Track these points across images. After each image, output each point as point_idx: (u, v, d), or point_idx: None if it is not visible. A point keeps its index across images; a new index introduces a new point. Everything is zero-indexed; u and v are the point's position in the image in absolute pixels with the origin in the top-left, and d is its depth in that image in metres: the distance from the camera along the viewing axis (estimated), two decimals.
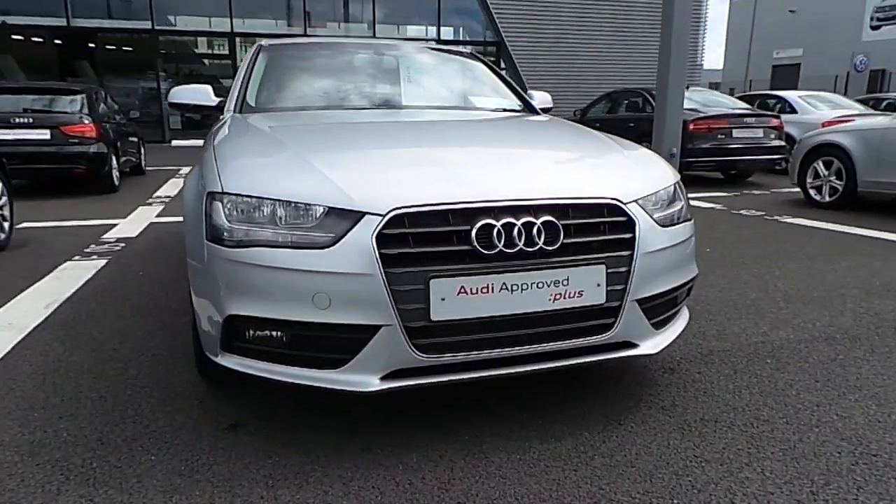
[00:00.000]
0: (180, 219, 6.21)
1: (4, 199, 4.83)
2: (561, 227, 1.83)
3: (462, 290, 1.75)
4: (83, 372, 2.43)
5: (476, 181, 1.88)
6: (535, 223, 1.80)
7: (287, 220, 1.79)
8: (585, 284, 1.86)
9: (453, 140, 2.33)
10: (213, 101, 3.06)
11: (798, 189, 7.02)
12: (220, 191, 1.88)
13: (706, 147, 8.31)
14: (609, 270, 1.89)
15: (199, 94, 3.07)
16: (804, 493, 1.64)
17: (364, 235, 1.72)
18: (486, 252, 1.76)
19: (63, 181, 8.10)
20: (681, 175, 2.29)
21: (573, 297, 1.86)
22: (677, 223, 2.12)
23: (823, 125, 8.62)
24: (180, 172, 10.54)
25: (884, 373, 2.40)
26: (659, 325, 2.08)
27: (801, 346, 2.68)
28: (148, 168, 10.68)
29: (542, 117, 3.14)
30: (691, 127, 8.29)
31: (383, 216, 1.73)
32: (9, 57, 16.75)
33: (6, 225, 4.84)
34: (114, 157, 8.06)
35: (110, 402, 2.17)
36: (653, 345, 2.04)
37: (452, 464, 1.78)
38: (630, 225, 1.95)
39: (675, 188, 2.20)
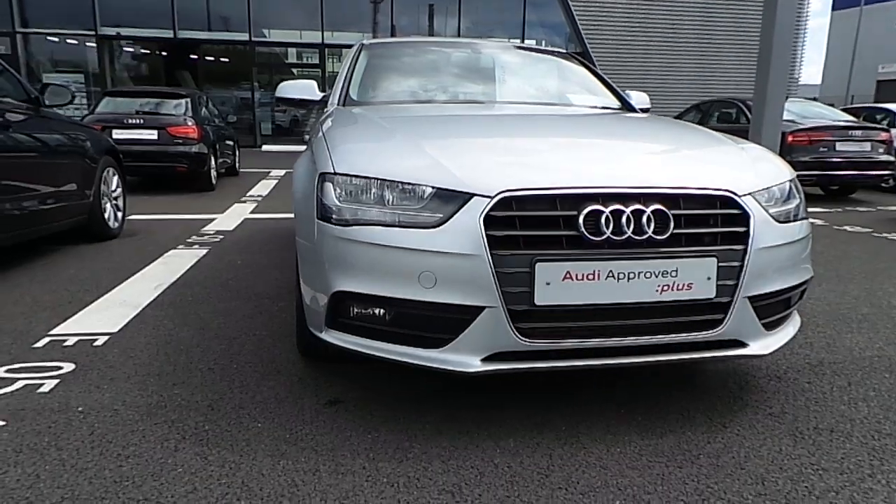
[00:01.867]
0: (272, 215, 6.52)
1: (120, 191, 5.20)
2: (672, 216, 1.79)
3: (567, 276, 1.73)
4: (192, 346, 2.56)
5: (584, 168, 1.86)
6: (644, 211, 1.77)
7: (395, 200, 1.83)
8: (695, 277, 1.80)
9: (557, 131, 2.32)
10: (318, 95, 3.18)
11: None
12: (331, 171, 1.94)
13: (806, 160, 7.88)
14: (721, 264, 1.82)
15: (305, 89, 3.20)
16: None
17: (472, 217, 1.73)
18: (593, 238, 1.74)
19: (167, 178, 8.62)
20: None
21: (682, 289, 1.80)
22: (794, 220, 2.02)
23: None
24: (270, 174, 11.00)
25: None
26: (770, 327, 1.99)
27: None
28: (241, 170, 11.21)
29: (644, 115, 3.08)
30: (790, 139, 7.90)
31: (492, 198, 1.74)
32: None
33: (120, 215, 5.20)
34: (212, 158, 8.52)
35: (218, 374, 2.27)
36: (763, 346, 1.94)
37: (550, 451, 1.76)
38: (744, 219, 1.87)
39: (790, 185, 2.10)
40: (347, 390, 2.13)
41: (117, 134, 7.75)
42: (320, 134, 2.29)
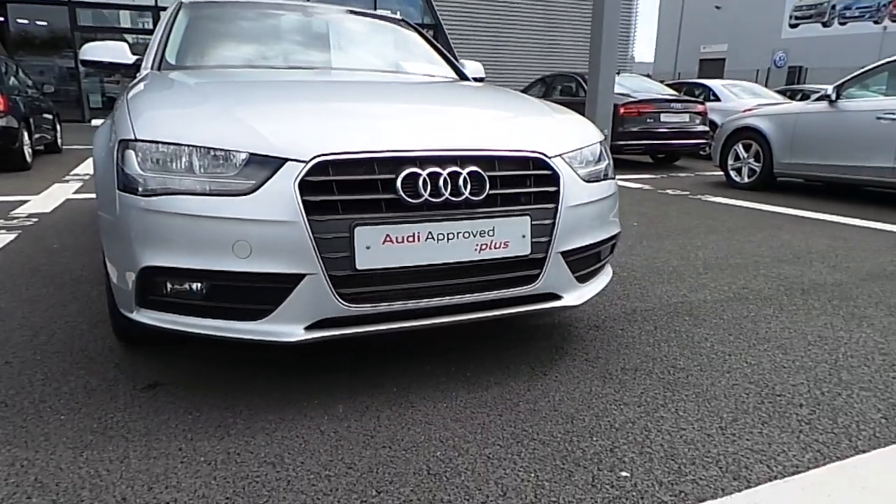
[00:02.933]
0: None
1: None
2: (487, 178, 1.85)
3: (388, 239, 1.74)
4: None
5: (402, 132, 1.87)
6: (461, 173, 1.81)
7: (206, 168, 1.73)
8: (511, 235, 1.89)
9: (381, 96, 2.30)
10: (130, 58, 2.91)
11: (720, 171, 7.33)
12: (132, 138, 1.79)
13: (635, 130, 8.56)
14: (534, 222, 1.92)
15: (115, 51, 2.92)
16: (714, 428, 1.73)
17: (286, 182, 1.68)
18: (411, 201, 1.76)
19: None
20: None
21: (499, 247, 1.88)
22: (602, 180, 2.17)
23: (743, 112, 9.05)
24: None
25: (790, 327, 2.54)
26: (583, 279, 2.14)
27: (716, 305, 2.81)
28: (65, 147, 10.11)
29: (475, 84, 3.15)
30: (622, 110, 8.52)
31: (306, 163, 1.69)
32: None
33: None
34: (25, 133, 7.58)
35: (17, 367, 2.05)
36: (577, 297, 2.09)
37: (379, 413, 1.78)
38: (555, 179, 1.98)
39: (599, 147, 2.26)
40: (168, 373, 2.01)
41: None
42: (124, 99, 2.10)
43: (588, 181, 2.09)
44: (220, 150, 1.72)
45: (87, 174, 7.33)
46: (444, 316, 1.88)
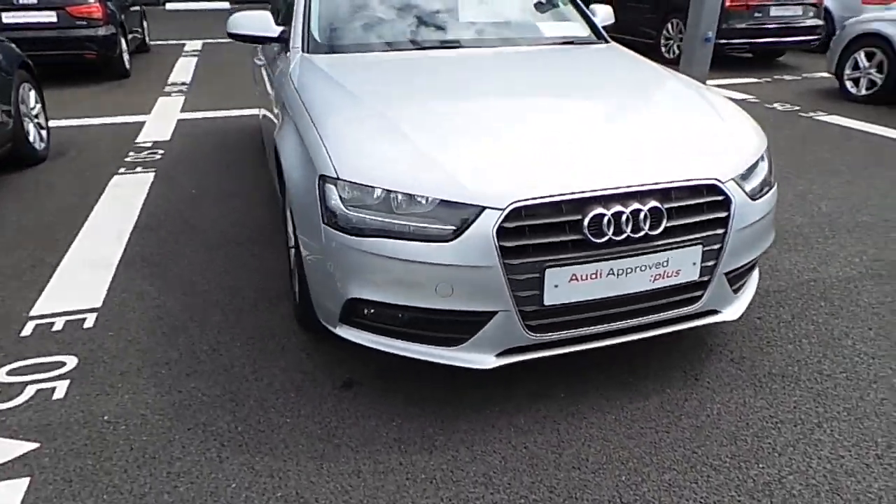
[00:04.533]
0: (206, 114, 6.15)
1: (38, 107, 4.74)
2: (664, 211, 1.91)
3: (573, 278, 1.87)
4: (187, 321, 2.59)
5: (586, 169, 1.92)
6: (642, 210, 1.88)
7: (405, 210, 1.86)
8: (683, 264, 1.98)
9: (550, 108, 2.29)
10: (275, 31, 2.95)
11: (832, 76, 6.84)
12: (334, 176, 1.93)
13: (742, 28, 7.95)
14: (704, 249, 1.99)
15: (260, 22, 2.95)
16: (871, 457, 1.88)
17: (485, 229, 1.80)
18: (596, 241, 1.86)
19: (73, 67, 7.80)
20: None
21: (671, 276, 1.98)
22: (766, 193, 2.18)
23: (863, 2, 8.22)
24: (186, 48, 10.12)
25: None
26: (737, 290, 2.23)
27: (849, 286, 2.84)
28: (151, 42, 10.22)
29: (615, 50, 3.05)
30: (727, 3, 7.87)
31: (503, 210, 1.80)
32: None
33: (44, 133, 4.79)
34: (123, 39, 7.71)
35: (226, 357, 2.35)
36: (733, 311, 2.19)
37: (557, 425, 2.01)
38: (726, 204, 2.02)
39: (766, 155, 2.24)
40: (360, 370, 2.27)
41: (7, 18, 6.84)
42: (304, 110, 2.23)
43: (754, 198, 2.11)
44: (422, 196, 1.84)
45: (185, 83, 7.50)
46: (614, 338, 2.03)
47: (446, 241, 1.82)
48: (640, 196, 1.90)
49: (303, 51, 2.79)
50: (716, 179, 2.00)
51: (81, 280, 2.93)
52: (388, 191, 1.86)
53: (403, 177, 1.88)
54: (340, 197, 1.93)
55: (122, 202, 3.89)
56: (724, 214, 2.02)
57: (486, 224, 1.80)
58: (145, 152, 4.95)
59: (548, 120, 2.14)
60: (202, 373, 2.26)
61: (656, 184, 1.92)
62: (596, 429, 1.99)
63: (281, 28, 2.96)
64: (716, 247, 2.02)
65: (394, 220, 1.87)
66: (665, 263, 1.95)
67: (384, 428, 2.00)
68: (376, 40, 2.89)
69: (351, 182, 1.91)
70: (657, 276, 1.96)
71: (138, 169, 4.55)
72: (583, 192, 1.85)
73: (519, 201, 1.81)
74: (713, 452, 1.89)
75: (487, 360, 1.93)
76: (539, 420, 2.03)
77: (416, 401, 2.12)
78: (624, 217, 1.87)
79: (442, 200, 1.83)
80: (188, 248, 3.28)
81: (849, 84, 6.61)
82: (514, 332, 1.90)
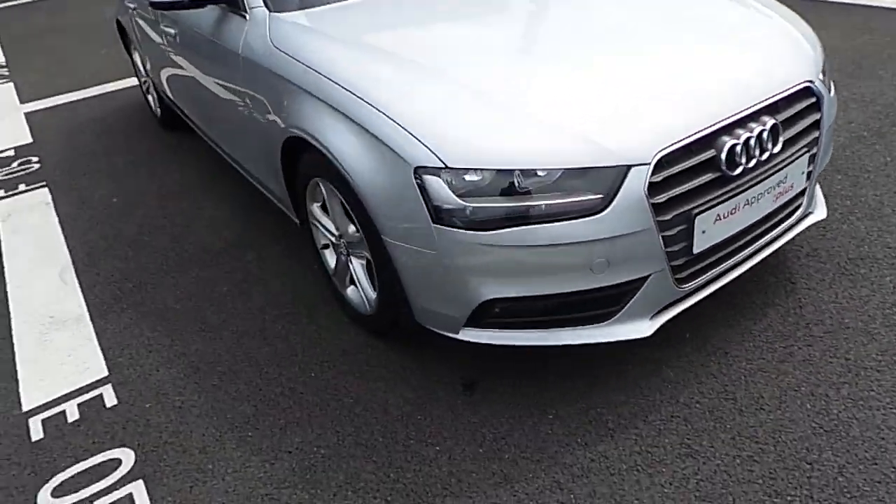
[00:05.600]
0: (53, 100, 5.12)
1: None
2: (780, 125, 1.80)
3: (718, 218, 1.73)
4: (231, 361, 2.18)
5: (703, 101, 1.73)
6: (764, 129, 1.75)
7: (539, 188, 1.59)
8: (796, 176, 1.91)
9: (624, 42, 1.98)
10: None
11: None
12: (438, 166, 1.60)
13: None
14: (809, 154, 1.92)
15: None
16: None
17: (636, 190, 1.59)
18: (732, 174, 1.72)
19: None
20: None
21: (788, 191, 1.91)
22: (830, 87, 2.13)
23: None
24: None
25: None
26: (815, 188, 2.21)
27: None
28: None
29: None
30: None
31: (649, 164, 1.59)
32: None
33: None
34: None
35: (311, 393, 2.01)
36: (822, 209, 2.18)
37: (709, 371, 1.93)
38: (818, 104, 1.95)
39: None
40: (467, 369, 2.04)
41: None
42: (336, 87, 1.84)
43: (830, 93, 2.06)
44: (551, 169, 1.57)
45: (1, 64, 6.20)
46: (746, 263, 1.93)
47: (596, 212, 1.59)
48: (757, 116, 1.77)
49: (268, 10, 2.27)
50: (809, 81, 1.91)
51: (59, 346, 2.35)
52: (513, 171, 1.58)
53: (525, 149, 1.59)
54: (452, 188, 1.61)
55: (34, 238, 3.15)
56: (818, 115, 1.95)
57: (636, 183, 1.59)
58: (15, 164, 4.04)
59: (632, 56, 1.88)
60: (299, 421, 1.92)
61: (766, 98, 1.80)
62: (745, 362, 1.94)
63: None
64: (815, 150, 1.96)
65: (523, 201, 1.60)
66: (784, 180, 1.87)
67: (556, 446, 1.80)
68: None
69: (464, 169, 1.59)
70: (779, 195, 1.88)
71: (21, 187, 3.71)
72: (711, 126, 1.68)
73: (661, 150, 1.61)
74: (861, 353, 1.92)
75: (643, 327, 1.78)
76: (692, 372, 1.94)
77: (539, 400, 1.94)
78: (752, 142, 1.73)
79: (567, 169, 1.58)
80: (161, 269, 2.74)
81: None
82: (666, 289, 1.75)
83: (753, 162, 1.75)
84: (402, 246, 1.74)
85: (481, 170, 1.58)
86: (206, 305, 2.49)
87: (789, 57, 1.95)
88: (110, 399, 2.09)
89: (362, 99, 1.77)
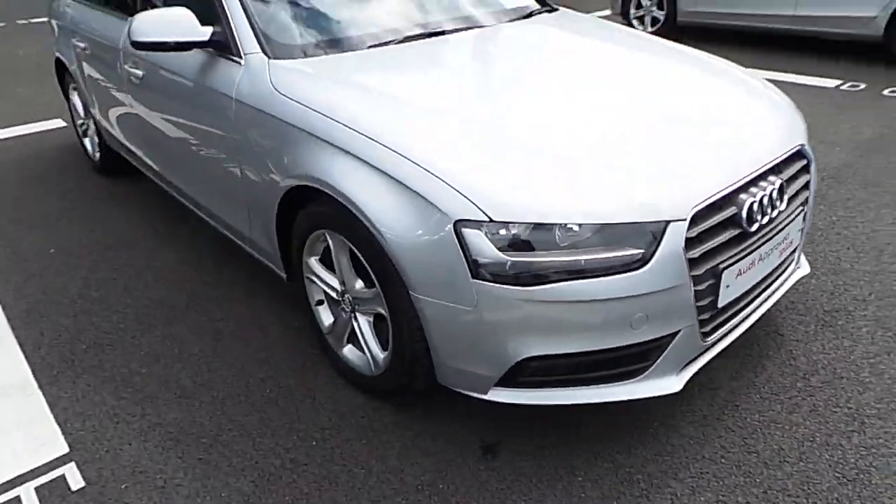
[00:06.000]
0: None
1: None
2: (784, 184, 1.89)
3: (738, 273, 1.78)
4: (216, 430, 1.96)
5: (723, 157, 1.80)
6: (773, 187, 1.83)
7: (576, 242, 1.57)
8: (794, 233, 2.01)
9: (617, 96, 2.06)
10: (203, 33, 2.24)
11: (620, 17, 7.53)
12: (482, 219, 1.55)
13: None
14: (803, 213, 2.03)
15: (180, 25, 2.21)
16: None
17: (674, 246, 1.60)
18: (751, 230, 1.78)
19: None
20: None
21: (789, 247, 2.00)
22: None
23: None
24: None
25: None
26: None
27: None
28: None
29: (582, 19, 2.89)
30: None
31: (685, 220, 1.62)
32: None
33: None
34: None
35: (320, 466, 1.83)
36: (805, 265, 2.29)
37: (745, 442, 1.94)
38: (808, 165, 2.08)
39: None
40: (490, 433, 1.94)
41: None
42: (359, 136, 1.76)
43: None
44: (596, 224, 1.56)
45: None
46: (753, 316, 1.98)
47: (636, 267, 1.59)
48: (767, 175, 1.86)
49: (267, 56, 2.17)
50: (801, 144, 2.03)
51: (6, 423, 2.04)
52: (553, 225, 1.55)
53: (569, 202, 1.58)
54: (494, 243, 1.56)
55: None
56: (808, 177, 2.08)
57: (675, 239, 1.60)
58: None
59: (633, 112, 1.93)
60: (307, 497, 1.73)
61: (773, 159, 1.89)
62: (757, 415, 1.97)
63: (210, 28, 2.26)
64: (806, 209, 2.08)
65: (566, 256, 1.57)
66: (787, 238, 1.96)
67: (575, 485, 1.74)
68: (346, 36, 2.35)
69: (509, 223, 1.55)
70: (783, 250, 1.97)
71: None
72: (734, 184, 1.75)
73: (696, 206, 1.64)
74: (860, 402, 2.00)
75: (673, 382, 1.77)
76: (710, 426, 1.94)
77: (575, 444, 1.88)
78: (765, 200, 1.81)
79: (623, 228, 1.58)
80: (118, 328, 2.47)
81: (635, 23, 7.33)
82: (693, 343, 1.76)
83: (766, 219, 1.82)
84: (435, 302, 1.66)
85: (524, 223, 1.55)
86: (177, 368, 2.26)
87: (785, 122, 2.08)
88: (75, 481, 1.82)
89: (392, 149, 1.70)
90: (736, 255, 1.75)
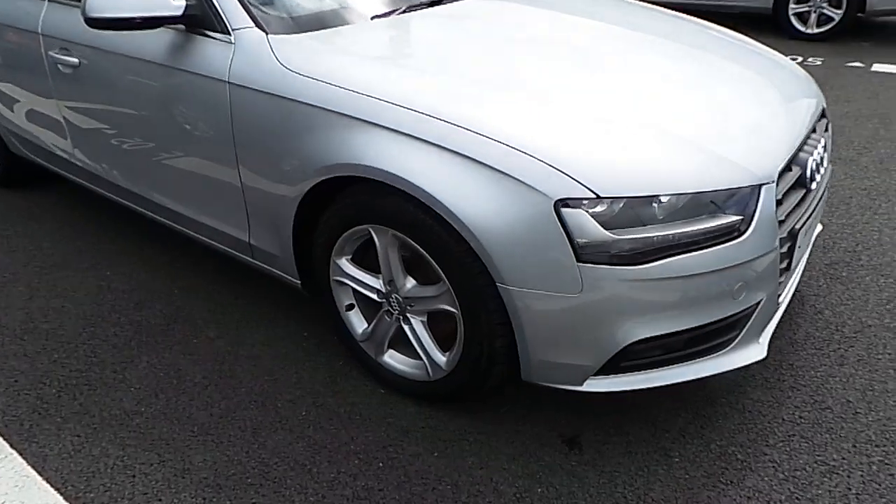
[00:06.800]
0: None
1: None
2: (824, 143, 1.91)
3: (805, 233, 1.78)
4: (307, 458, 1.69)
5: (785, 118, 1.78)
6: (820, 144, 1.84)
7: (680, 213, 1.48)
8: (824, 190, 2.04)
9: (656, 61, 1.98)
10: (176, 7, 1.90)
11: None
12: (589, 196, 1.41)
13: None
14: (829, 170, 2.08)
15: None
16: None
17: (768, 209, 1.56)
18: (812, 189, 1.78)
19: None
20: None
21: (822, 202, 2.03)
22: None
23: None
24: None
25: None
26: None
27: None
28: None
29: None
30: None
31: (774, 182, 1.57)
32: None
33: None
34: None
35: (447, 485, 1.63)
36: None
37: (814, 399, 1.94)
38: (828, 124, 2.12)
39: None
40: (566, 428, 1.82)
41: None
42: (415, 115, 1.56)
43: None
44: (703, 191, 1.48)
45: None
46: (799, 271, 1.99)
47: (738, 235, 1.52)
48: (810, 136, 1.87)
49: (264, 31, 1.87)
50: (824, 105, 2.07)
51: None
52: (648, 197, 1.45)
53: (671, 172, 1.48)
54: (599, 220, 1.43)
55: None
56: (829, 134, 2.12)
57: (768, 202, 1.55)
58: None
59: (683, 78, 1.86)
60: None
61: (815, 118, 1.91)
62: (812, 371, 1.99)
63: (182, 2, 1.92)
64: (828, 166, 2.12)
65: (671, 229, 1.47)
66: (824, 193, 1.99)
67: (676, 467, 1.66)
68: (344, 6, 2.08)
69: (615, 198, 1.42)
70: (821, 207, 1.99)
71: None
72: (799, 143, 1.74)
73: (779, 167, 1.61)
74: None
75: (758, 350, 1.73)
76: (777, 389, 1.93)
77: (658, 426, 1.81)
78: (818, 158, 1.82)
79: (725, 195, 1.50)
80: (91, 362, 2.08)
81: (794, 20, 6.01)
82: (771, 307, 1.73)
83: (819, 177, 1.83)
84: (531, 293, 1.50)
85: (629, 198, 1.43)
86: (183, 401, 1.94)
87: (808, 82, 2.10)
88: None
89: (464, 127, 1.51)
90: (804, 214, 1.74)
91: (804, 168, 1.73)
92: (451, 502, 1.60)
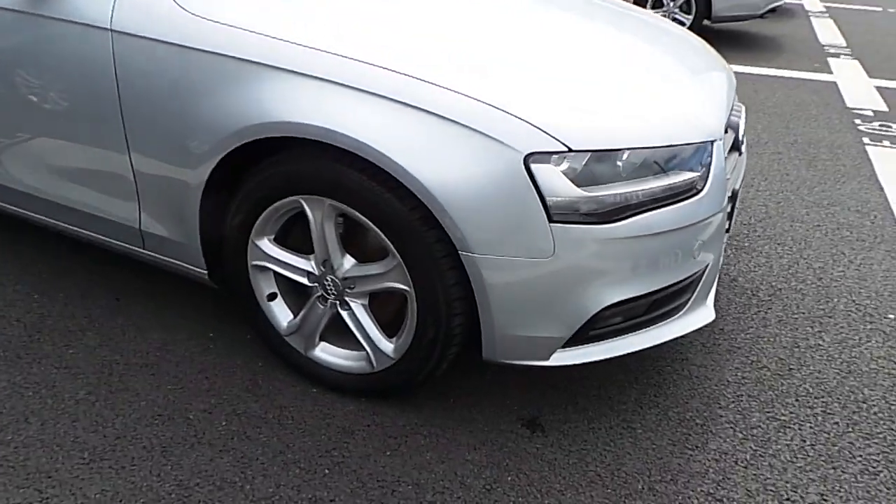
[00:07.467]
0: None
1: None
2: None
3: (738, 196, 1.80)
4: (242, 474, 1.39)
5: (717, 83, 1.79)
6: (741, 110, 1.90)
7: (641, 169, 1.42)
8: None
9: (581, 25, 1.93)
10: None
11: None
12: (560, 150, 1.30)
13: None
14: None
15: None
16: None
17: (720, 166, 1.55)
18: (742, 152, 1.82)
19: None
20: None
21: None
22: None
23: None
24: None
25: None
26: None
27: None
28: None
29: None
30: None
31: (723, 139, 1.56)
32: None
33: None
34: None
35: (409, 486, 1.40)
36: None
37: (752, 361, 1.96)
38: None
39: None
40: (520, 411, 1.69)
41: None
42: (389, 72, 1.35)
43: None
44: (669, 145, 1.42)
45: None
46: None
47: (698, 191, 1.49)
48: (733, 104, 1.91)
49: (178, 5, 1.57)
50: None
51: None
52: (623, 150, 1.37)
53: (642, 126, 1.42)
54: (572, 178, 1.32)
55: None
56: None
57: (720, 158, 1.54)
58: None
59: (627, 46, 1.83)
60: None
61: (733, 86, 1.95)
62: (743, 335, 2.04)
63: None
64: None
65: (638, 185, 1.40)
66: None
67: (643, 438, 1.60)
68: None
69: (588, 151, 1.32)
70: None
71: None
72: (729, 106, 1.76)
73: (723, 124, 1.61)
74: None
75: (707, 312, 1.72)
76: (720, 354, 1.95)
77: (612, 400, 1.74)
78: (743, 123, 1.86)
79: (688, 147, 1.46)
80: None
81: None
82: (716, 269, 1.73)
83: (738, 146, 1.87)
84: (499, 259, 1.35)
85: (596, 152, 1.34)
86: (63, 423, 1.57)
87: (719, 57, 2.16)
88: None
89: (415, 77, 1.34)
90: (738, 177, 1.77)
91: (737, 130, 1.76)
92: (416, 502, 1.41)
